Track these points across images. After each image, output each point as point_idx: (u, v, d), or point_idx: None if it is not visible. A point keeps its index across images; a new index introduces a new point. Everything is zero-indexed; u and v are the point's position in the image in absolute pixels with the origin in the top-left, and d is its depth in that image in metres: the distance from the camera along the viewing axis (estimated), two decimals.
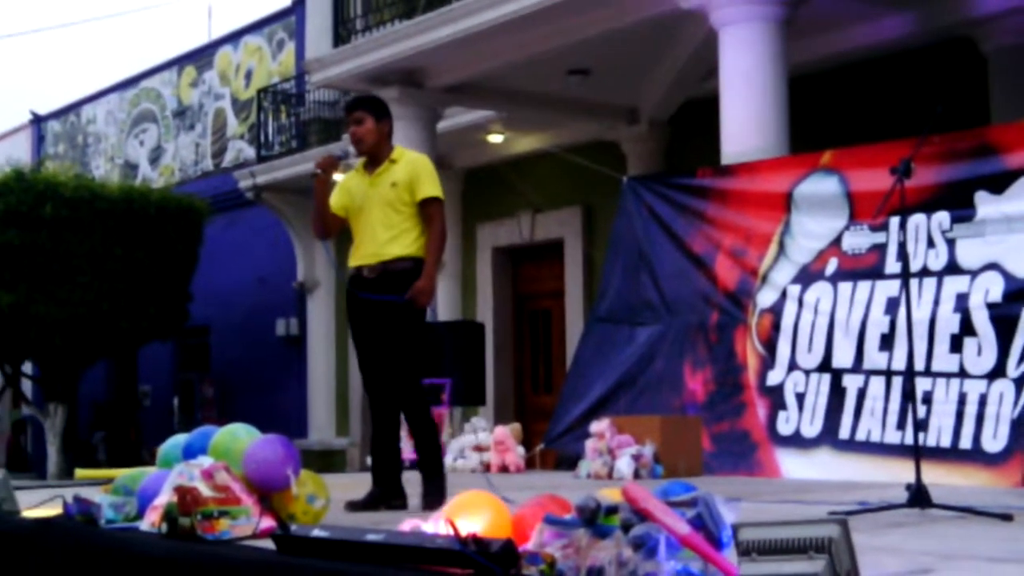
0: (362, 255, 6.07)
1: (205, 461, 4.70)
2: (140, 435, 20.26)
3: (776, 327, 8.39)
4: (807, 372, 8.14)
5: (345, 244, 6.49)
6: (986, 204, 7.40)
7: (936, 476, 6.54)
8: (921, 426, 7.12)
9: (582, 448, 8.75)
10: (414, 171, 6.04)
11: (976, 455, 7.06)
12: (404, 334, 5.94)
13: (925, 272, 7.56)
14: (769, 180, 8.74)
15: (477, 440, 10.01)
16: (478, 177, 15.38)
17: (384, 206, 5.99)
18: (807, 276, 8.31)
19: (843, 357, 7.94)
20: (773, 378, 8.34)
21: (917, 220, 7.59)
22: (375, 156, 6.14)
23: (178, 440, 5.39)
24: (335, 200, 6.22)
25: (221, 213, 17.97)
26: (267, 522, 4.33)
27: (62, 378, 17.13)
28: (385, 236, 5.97)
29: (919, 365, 7.29)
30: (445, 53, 11.30)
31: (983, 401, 7.13)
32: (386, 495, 5.93)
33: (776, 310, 8.43)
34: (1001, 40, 10.28)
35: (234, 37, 20.15)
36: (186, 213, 16.87)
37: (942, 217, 7.55)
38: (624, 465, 8.24)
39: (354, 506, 5.83)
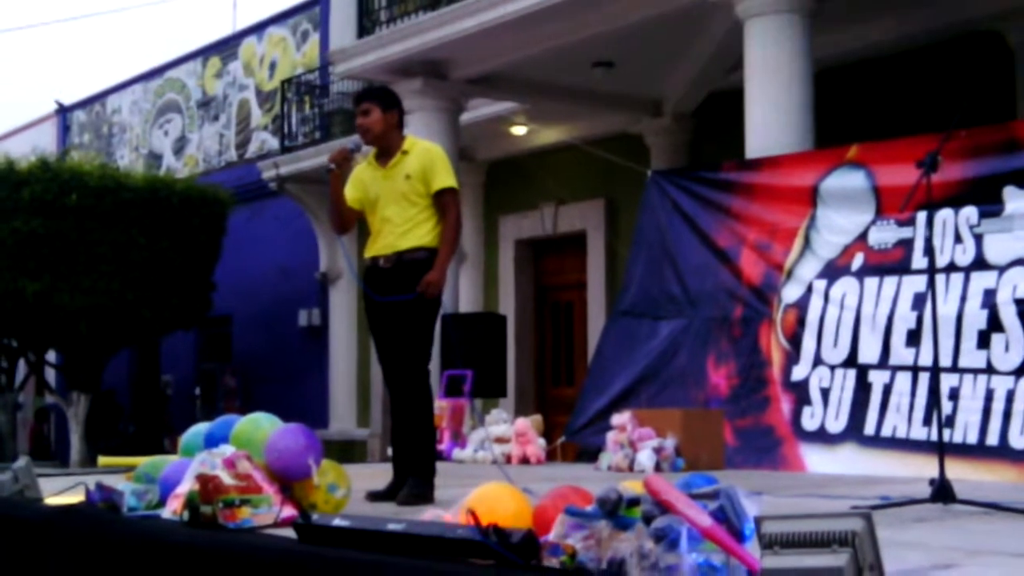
0: (378, 246, 6.02)
1: (227, 450, 4.70)
2: (164, 424, 20.34)
3: (801, 322, 8.35)
4: (832, 367, 8.10)
5: (363, 238, 6.44)
6: (1015, 199, 7.35)
7: (962, 472, 6.50)
8: (948, 422, 7.08)
9: (603, 441, 8.72)
10: (428, 161, 5.99)
11: (1003, 452, 7.01)
12: (414, 328, 5.90)
13: (952, 267, 7.50)
14: (795, 174, 8.69)
15: (498, 432, 9.99)
16: (501, 169, 15.36)
17: (399, 198, 5.95)
18: (833, 271, 8.26)
19: (869, 353, 7.90)
20: (798, 373, 8.30)
21: (944, 215, 7.54)
22: (386, 147, 6.10)
23: (200, 429, 5.40)
24: (349, 193, 6.17)
25: (244, 204, 18.01)
26: (288, 511, 4.33)
27: (85, 367, 17.20)
28: (401, 228, 5.93)
29: (946, 361, 7.25)
30: (469, 44, 11.28)
31: (1010, 398, 7.08)
32: (415, 488, 5.82)
33: (801, 305, 8.39)
34: None
35: (259, 28, 20.18)
36: (210, 203, 16.92)
37: (970, 212, 7.50)
38: (645, 458, 8.22)
39: (375, 496, 5.83)
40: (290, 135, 17.77)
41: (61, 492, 5.48)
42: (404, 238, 5.92)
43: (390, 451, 6.27)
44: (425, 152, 6.04)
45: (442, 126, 12.07)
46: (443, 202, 5.96)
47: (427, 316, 5.94)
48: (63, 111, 25.47)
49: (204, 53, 21.48)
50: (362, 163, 6.29)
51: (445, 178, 5.98)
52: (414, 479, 5.80)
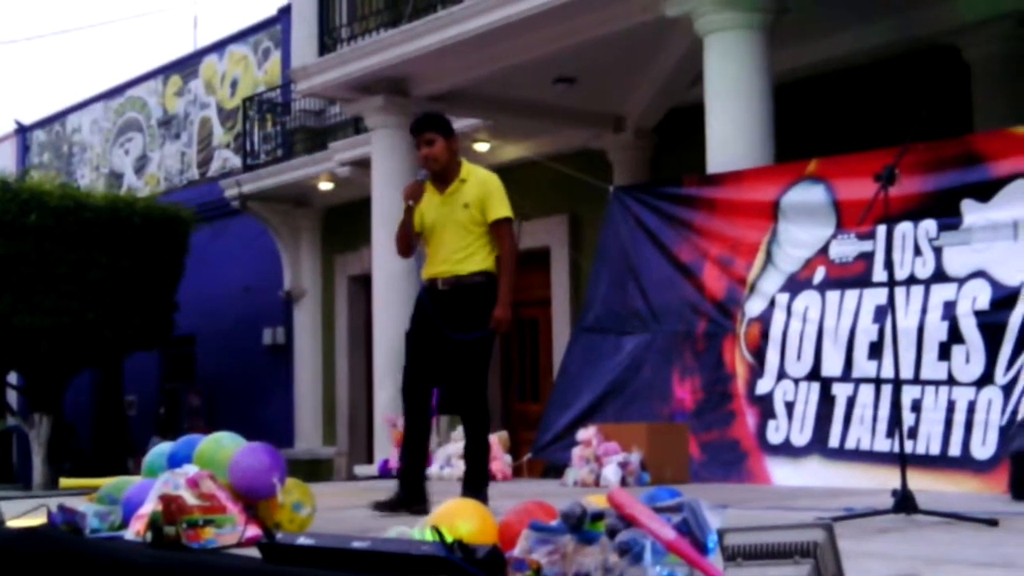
0: (437, 270, 6.35)
1: (190, 470, 4.68)
2: (127, 445, 20.18)
3: (764, 336, 8.39)
4: (796, 381, 8.14)
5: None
6: (972, 212, 7.41)
7: (925, 483, 6.55)
8: (910, 434, 7.13)
9: (569, 457, 8.73)
10: (485, 191, 6.32)
11: (965, 462, 7.06)
12: (477, 358, 6.24)
13: (912, 280, 7.56)
14: (756, 189, 8.74)
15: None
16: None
17: (457, 227, 6.28)
18: (795, 285, 8.31)
19: (832, 366, 7.94)
20: (762, 387, 8.34)
21: (904, 228, 7.60)
22: (444, 173, 6.37)
23: (163, 449, 5.37)
24: None
25: (207, 222, 17.94)
26: (253, 530, 4.31)
27: (47, 388, 17.05)
28: (459, 255, 6.28)
29: (908, 373, 7.30)
30: (431, 61, 11.29)
31: (972, 408, 7.12)
32: (410, 499, 6.09)
33: (764, 319, 8.43)
34: (984, 48, 10.30)
35: (220, 46, 20.13)
36: (172, 222, 16.83)
37: (929, 225, 7.56)
38: (611, 473, 8.23)
39: (380, 506, 6.04)
40: (252, 153, 17.73)
41: (23, 514, 5.44)
42: (462, 264, 6.28)
43: (399, 462, 6.52)
44: (483, 182, 6.38)
45: (404, 143, 12.02)
46: (499, 231, 6.32)
47: (489, 347, 6.32)
48: (23, 131, 25.29)
49: (165, 71, 21.41)
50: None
51: (501, 208, 6.32)
52: (477, 495, 6.03)
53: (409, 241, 6.42)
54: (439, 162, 6.32)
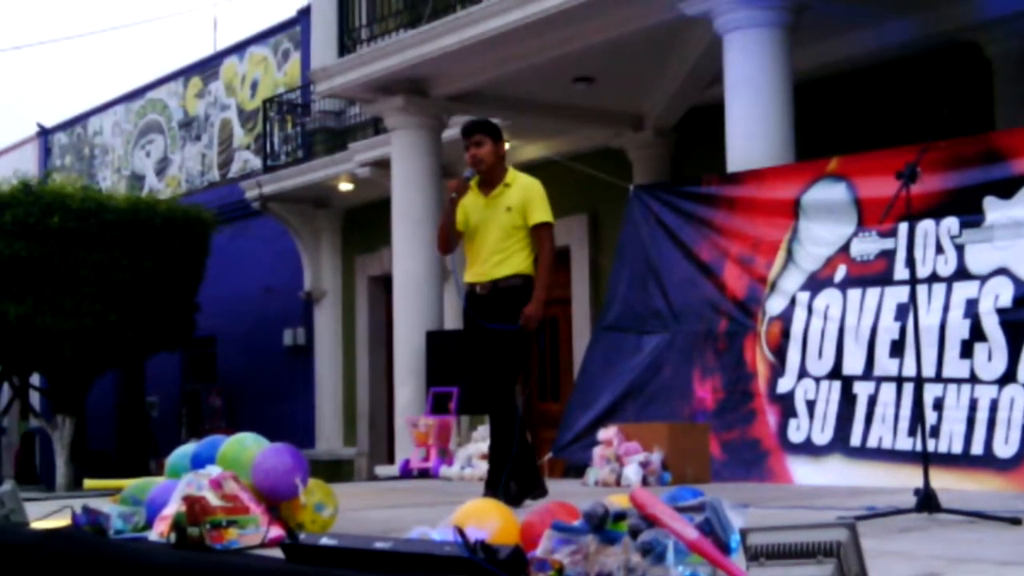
0: (475, 273, 6.60)
1: (213, 471, 4.70)
2: (150, 446, 20.26)
3: (786, 334, 8.37)
4: (817, 379, 8.12)
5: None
6: (995, 209, 7.38)
7: (948, 482, 6.53)
8: (932, 432, 7.11)
9: (590, 456, 8.73)
10: (527, 196, 6.57)
11: (988, 461, 7.03)
12: (507, 353, 6.43)
13: (934, 278, 7.54)
14: (776, 187, 8.72)
15: (485, 449, 9.97)
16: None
17: (498, 230, 6.53)
18: (816, 283, 8.29)
19: (853, 364, 7.92)
20: (783, 386, 8.32)
21: (926, 226, 7.57)
22: (490, 177, 6.62)
23: (186, 450, 5.39)
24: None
25: (227, 223, 17.98)
26: (276, 531, 4.33)
27: (70, 390, 17.14)
28: (497, 258, 6.52)
29: (930, 371, 7.27)
30: (450, 62, 11.30)
31: (994, 407, 7.10)
32: (527, 488, 6.36)
33: (785, 317, 8.41)
34: (1005, 44, 10.26)
35: (239, 48, 20.17)
36: (192, 224, 16.88)
37: (951, 223, 7.53)
38: (632, 472, 8.22)
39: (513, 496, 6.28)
40: (272, 154, 17.77)
41: (47, 516, 5.47)
42: (499, 267, 6.52)
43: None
44: (526, 187, 6.63)
45: (424, 143, 12.09)
46: (539, 236, 6.59)
47: (521, 344, 6.51)
48: (44, 133, 25.40)
49: (185, 73, 21.47)
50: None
51: (542, 213, 6.59)
52: (527, 486, 6.35)
53: (449, 237, 6.60)
54: (486, 163, 6.55)
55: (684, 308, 9.21)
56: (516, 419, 6.44)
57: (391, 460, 13.13)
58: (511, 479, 6.41)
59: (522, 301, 6.45)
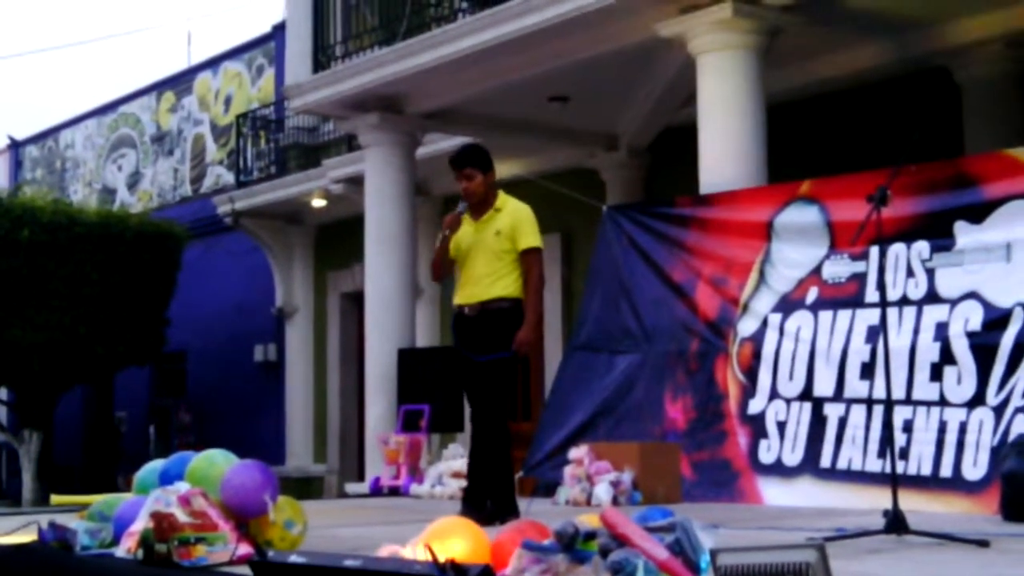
0: (464, 295, 6.71)
1: (182, 487, 4.67)
2: (118, 461, 20.12)
3: (757, 356, 8.39)
4: (788, 401, 8.14)
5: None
6: (965, 234, 7.43)
7: (917, 504, 6.56)
8: (902, 454, 7.14)
9: (561, 475, 8.72)
10: (517, 221, 6.70)
11: (956, 483, 7.06)
12: (499, 379, 6.57)
13: (905, 301, 7.58)
14: (749, 209, 8.76)
15: (455, 467, 9.95)
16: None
17: (487, 253, 6.64)
18: (788, 305, 8.31)
19: (824, 386, 7.94)
20: (754, 407, 8.34)
21: (897, 249, 7.62)
22: (481, 203, 6.77)
23: (155, 466, 5.36)
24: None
25: (199, 239, 17.93)
26: (244, 548, 4.30)
27: (37, 404, 17.01)
28: (486, 280, 6.63)
29: (899, 394, 7.30)
30: (425, 79, 11.31)
31: (963, 429, 7.13)
32: (500, 511, 6.41)
33: (757, 339, 8.43)
34: (974, 70, 10.36)
35: (213, 63, 20.15)
36: (164, 238, 16.82)
37: (921, 246, 7.58)
38: (602, 491, 8.22)
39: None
40: (245, 170, 17.73)
41: (13, 531, 5.42)
42: (488, 289, 6.62)
43: (460, 484, 6.85)
44: (516, 212, 6.75)
45: (398, 160, 12.09)
46: (528, 260, 6.69)
47: (512, 369, 6.65)
48: (15, 146, 25.28)
49: (158, 87, 21.42)
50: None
51: (531, 239, 6.71)
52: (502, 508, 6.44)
53: (443, 268, 6.79)
54: (477, 196, 6.70)
55: (656, 328, 9.23)
56: (510, 444, 6.62)
57: (361, 477, 13.09)
58: (487, 497, 6.48)
59: (510, 323, 6.56)
